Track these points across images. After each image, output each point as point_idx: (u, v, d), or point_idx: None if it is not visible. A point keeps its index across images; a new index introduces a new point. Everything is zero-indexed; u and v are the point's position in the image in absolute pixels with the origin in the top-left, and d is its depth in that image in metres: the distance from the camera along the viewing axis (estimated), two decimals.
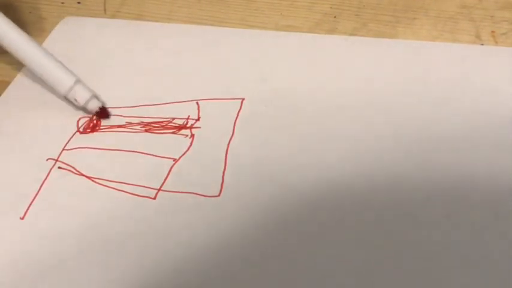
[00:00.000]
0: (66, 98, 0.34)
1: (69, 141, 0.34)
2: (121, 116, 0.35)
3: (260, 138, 0.33)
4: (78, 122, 0.35)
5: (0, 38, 0.33)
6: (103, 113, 0.34)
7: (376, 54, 0.38)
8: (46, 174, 0.32)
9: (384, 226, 0.28)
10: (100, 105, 0.34)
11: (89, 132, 0.34)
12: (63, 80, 0.34)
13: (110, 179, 0.31)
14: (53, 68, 0.34)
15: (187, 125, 0.34)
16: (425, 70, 0.36)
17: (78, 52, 0.40)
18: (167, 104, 0.35)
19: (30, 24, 0.43)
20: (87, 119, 0.35)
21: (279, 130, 0.33)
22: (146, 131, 0.34)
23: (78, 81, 0.34)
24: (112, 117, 0.35)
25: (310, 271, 0.27)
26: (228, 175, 0.31)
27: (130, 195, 0.31)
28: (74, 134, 0.34)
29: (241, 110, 0.35)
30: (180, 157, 0.32)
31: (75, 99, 0.34)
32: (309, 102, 0.35)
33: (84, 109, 0.35)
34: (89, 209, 0.30)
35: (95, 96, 0.34)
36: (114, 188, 0.31)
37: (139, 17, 0.43)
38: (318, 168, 0.31)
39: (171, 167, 0.32)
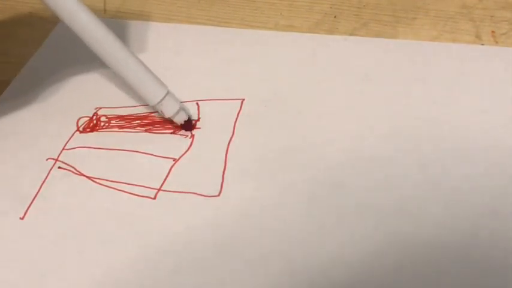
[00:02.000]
0: (154, 108, 0.34)
1: (69, 141, 0.34)
2: (121, 116, 0.35)
3: (260, 138, 0.33)
4: (78, 121, 0.35)
5: (93, 43, 0.31)
6: (187, 125, 0.34)
7: (376, 54, 0.38)
8: (46, 174, 0.32)
9: (384, 226, 0.28)
10: (186, 117, 0.33)
11: (89, 131, 0.34)
12: (153, 93, 0.32)
13: (109, 179, 0.31)
14: (144, 79, 0.32)
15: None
16: (425, 70, 0.36)
17: (78, 52, 0.40)
18: None
19: (30, 24, 0.43)
20: (87, 118, 0.35)
21: (279, 130, 0.33)
22: (146, 131, 0.34)
23: (167, 93, 0.33)
24: (112, 118, 0.35)
25: (310, 271, 0.27)
26: (228, 175, 0.31)
27: (130, 195, 0.31)
28: (74, 133, 0.34)
29: (241, 110, 0.35)
30: (180, 157, 0.32)
31: (161, 111, 0.33)
32: (308, 102, 0.35)
33: (170, 120, 0.34)
34: (89, 209, 0.30)
35: (182, 109, 0.33)
36: (114, 188, 0.31)
37: (139, 17, 0.43)
38: (318, 167, 0.31)
39: (171, 167, 0.32)
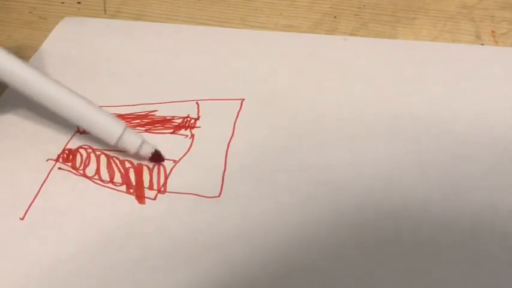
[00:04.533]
0: (116, 147, 0.32)
1: (69, 142, 0.34)
2: (121, 115, 0.35)
3: (260, 138, 0.33)
4: None
5: (40, 95, 0.31)
6: (156, 157, 0.32)
7: (376, 54, 0.38)
8: (46, 175, 0.32)
9: (384, 226, 0.28)
10: (152, 149, 0.32)
11: (89, 132, 0.34)
12: (111, 131, 0.31)
13: (109, 180, 0.31)
14: (99, 120, 0.31)
15: (187, 125, 0.34)
16: (425, 70, 0.36)
17: (78, 52, 0.40)
18: (167, 104, 0.35)
19: (30, 24, 0.43)
20: None
21: (279, 130, 0.33)
22: (146, 131, 0.34)
23: (125, 128, 0.31)
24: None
25: (310, 271, 0.27)
26: (228, 175, 0.31)
27: (130, 196, 0.31)
28: (74, 134, 0.34)
29: (241, 110, 0.35)
30: (180, 158, 0.32)
31: (124, 148, 0.32)
32: (308, 103, 0.35)
33: (136, 155, 0.32)
34: (89, 209, 0.30)
35: (146, 141, 0.32)
36: (113, 189, 0.31)
37: (139, 17, 0.43)
38: (318, 168, 0.31)
39: (171, 169, 0.32)
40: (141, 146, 0.32)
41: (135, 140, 0.31)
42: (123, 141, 0.31)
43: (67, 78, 0.38)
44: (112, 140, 0.31)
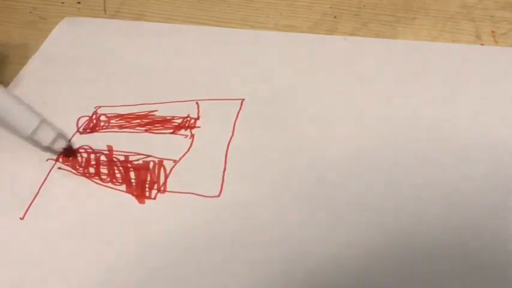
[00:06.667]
0: (31, 139, 0.32)
1: (69, 142, 0.34)
2: (121, 115, 0.35)
3: (260, 138, 0.33)
4: (78, 122, 0.35)
5: None
6: (69, 152, 0.33)
7: (376, 54, 0.38)
8: (46, 175, 0.32)
9: (384, 226, 0.28)
10: (65, 145, 0.32)
11: (89, 132, 0.34)
12: (26, 122, 0.32)
13: (109, 180, 0.31)
14: (15, 110, 0.32)
15: (187, 125, 0.34)
16: (425, 70, 0.36)
17: (78, 52, 0.40)
18: (167, 104, 0.35)
19: (30, 24, 0.43)
20: (87, 118, 0.35)
21: (279, 130, 0.33)
22: (146, 131, 0.34)
23: (42, 121, 0.32)
24: (112, 117, 0.35)
25: (310, 271, 0.27)
26: (228, 175, 0.31)
27: (130, 195, 0.31)
28: (74, 134, 0.34)
29: (241, 110, 0.35)
30: (180, 158, 0.32)
31: (38, 141, 0.32)
32: (308, 102, 0.35)
33: (49, 149, 0.33)
34: (89, 209, 0.30)
35: (61, 135, 0.33)
36: (113, 189, 0.31)
37: (139, 17, 0.43)
38: (318, 168, 0.31)
39: (171, 168, 0.32)
40: (55, 140, 0.32)
41: (49, 133, 0.32)
42: (37, 134, 0.32)
43: (67, 78, 0.38)
44: (26, 132, 0.32)
